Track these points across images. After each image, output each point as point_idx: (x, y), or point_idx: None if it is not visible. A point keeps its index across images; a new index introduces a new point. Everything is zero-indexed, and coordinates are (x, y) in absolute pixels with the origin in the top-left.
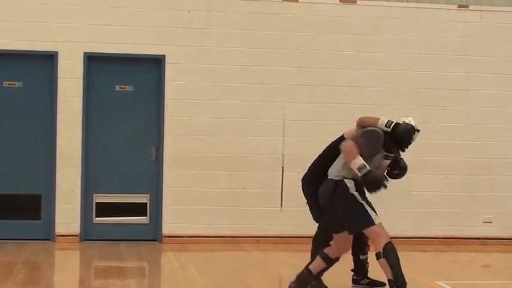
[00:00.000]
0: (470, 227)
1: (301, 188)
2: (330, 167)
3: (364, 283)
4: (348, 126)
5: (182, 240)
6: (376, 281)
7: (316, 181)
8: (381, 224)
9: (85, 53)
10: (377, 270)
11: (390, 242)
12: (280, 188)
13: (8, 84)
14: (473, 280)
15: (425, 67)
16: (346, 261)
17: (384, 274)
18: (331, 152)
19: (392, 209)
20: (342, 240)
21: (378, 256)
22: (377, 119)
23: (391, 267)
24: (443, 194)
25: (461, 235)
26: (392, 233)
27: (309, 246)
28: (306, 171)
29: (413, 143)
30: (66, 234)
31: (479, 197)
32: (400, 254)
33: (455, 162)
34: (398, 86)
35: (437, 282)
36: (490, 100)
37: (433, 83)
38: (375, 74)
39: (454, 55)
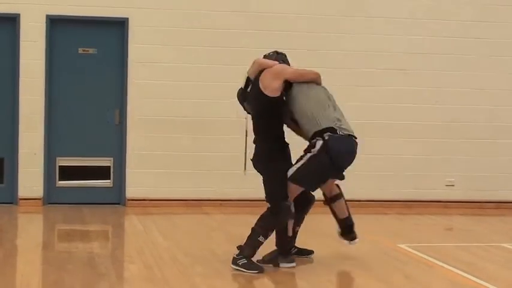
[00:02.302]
0: (433, 190)
1: None
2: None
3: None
4: None
5: (145, 204)
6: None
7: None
8: None
9: (47, 15)
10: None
11: None
12: (244, 151)
13: None
14: (436, 243)
15: (386, 31)
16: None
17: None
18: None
19: (353, 172)
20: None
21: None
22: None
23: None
24: (405, 157)
25: (424, 198)
26: (353, 196)
27: None
28: None
29: None
30: (29, 197)
31: (441, 161)
32: (361, 217)
33: (417, 125)
34: (360, 49)
35: (399, 245)
36: (448, 63)
37: (393, 46)
38: (339, 37)
39: (417, 18)
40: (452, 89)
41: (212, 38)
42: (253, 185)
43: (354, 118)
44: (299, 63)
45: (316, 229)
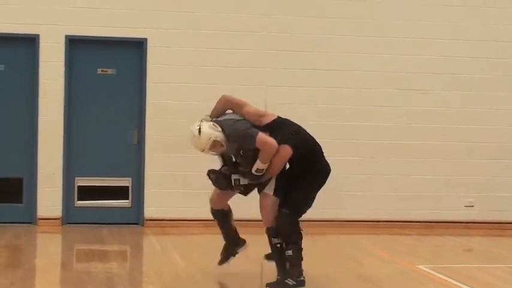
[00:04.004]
0: (452, 211)
1: None
2: None
3: None
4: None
5: (164, 224)
6: None
7: None
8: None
9: (66, 36)
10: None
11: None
12: None
13: None
14: (456, 264)
15: (406, 50)
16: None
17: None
18: None
19: (373, 192)
20: None
21: None
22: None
23: None
24: (424, 178)
25: (443, 219)
26: (373, 216)
27: None
28: None
29: None
30: (48, 217)
31: (461, 181)
32: (385, 237)
33: (436, 146)
34: (379, 69)
35: (419, 266)
36: (471, 84)
37: (414, 66)
38: (357, 57)
39: (434, 38)
40: (470, 110)
41: (230, 59)
42: None
43: (372, 138)
44: (316, 83)
45: (333, 250)
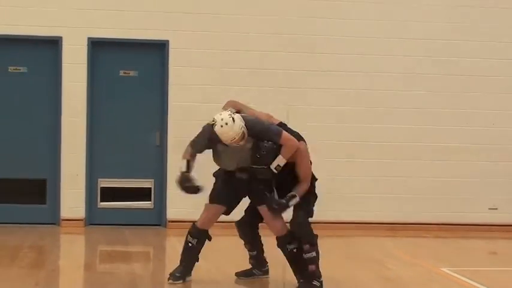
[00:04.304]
0: (476, 213)
1: None
2: None
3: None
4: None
5: (186, 225)
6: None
7: None
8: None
9: (89, 38)
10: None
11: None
12: None
13: (13, 69)
14: (479, 267)
15: (436, 53)
16: None
17: None
18: None
19: (398, 194)
20: None
21: None
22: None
23: None
24: (449, 180)
25: (467, 221)
26: (398, 219)
27: None
28: None
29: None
30: (71, 218)
31: (485, 184)
32: (405, 240)
33: (461, 148)
34: (409, 71)
35: (442, 269)
36: (500, 86)
37: (444, 68)
38: (383, 59)
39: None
40: (504, 112)
41: (252, 61)
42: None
43: (393, 140)
44: (332, 85)
45: (358, 252)
